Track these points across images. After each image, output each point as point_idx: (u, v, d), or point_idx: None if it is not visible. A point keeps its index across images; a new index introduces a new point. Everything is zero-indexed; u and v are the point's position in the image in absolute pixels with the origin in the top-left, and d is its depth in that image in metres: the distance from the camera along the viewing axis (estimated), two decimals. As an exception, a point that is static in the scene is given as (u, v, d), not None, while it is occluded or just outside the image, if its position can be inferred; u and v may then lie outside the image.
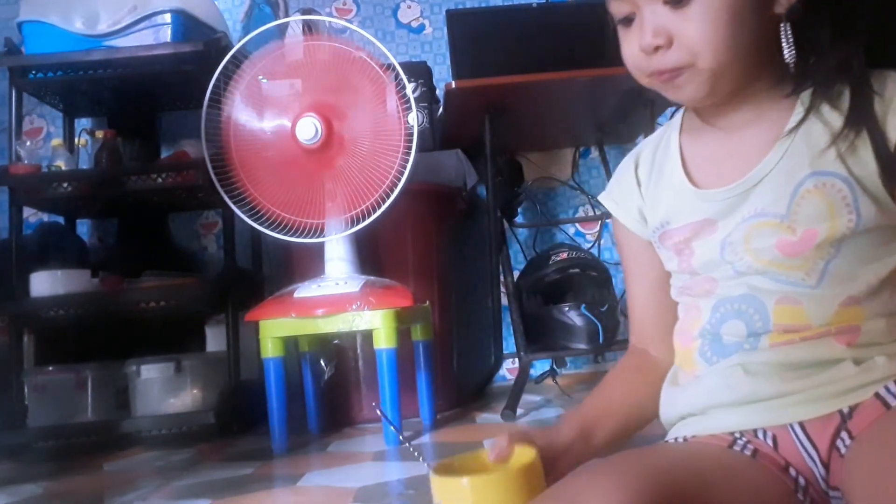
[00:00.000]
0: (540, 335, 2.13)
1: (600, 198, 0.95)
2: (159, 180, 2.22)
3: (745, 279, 0.77)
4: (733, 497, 0.70)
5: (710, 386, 0.78)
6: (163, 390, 2.11)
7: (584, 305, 2.10)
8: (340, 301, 1.81)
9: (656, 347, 0.90)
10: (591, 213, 2.84)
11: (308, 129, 1.84)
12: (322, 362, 2.10)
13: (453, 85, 2.09)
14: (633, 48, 0.77)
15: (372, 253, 2.04)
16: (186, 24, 2.28)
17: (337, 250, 1.92)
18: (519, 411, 1.97)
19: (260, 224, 1.91)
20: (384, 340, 1.77)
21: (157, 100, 2.60)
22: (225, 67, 1.92)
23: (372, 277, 1.90)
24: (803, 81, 0.76)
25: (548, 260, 2.25)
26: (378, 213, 1.87)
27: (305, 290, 1.87)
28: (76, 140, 2.45)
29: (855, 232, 0.73)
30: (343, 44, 1.92)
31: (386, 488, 1.35)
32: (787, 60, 0.76)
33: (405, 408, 1.84)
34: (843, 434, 0.72)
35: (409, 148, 1.86)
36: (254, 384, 2.13)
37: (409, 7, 2.95)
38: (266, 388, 1.84)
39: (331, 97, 1.90)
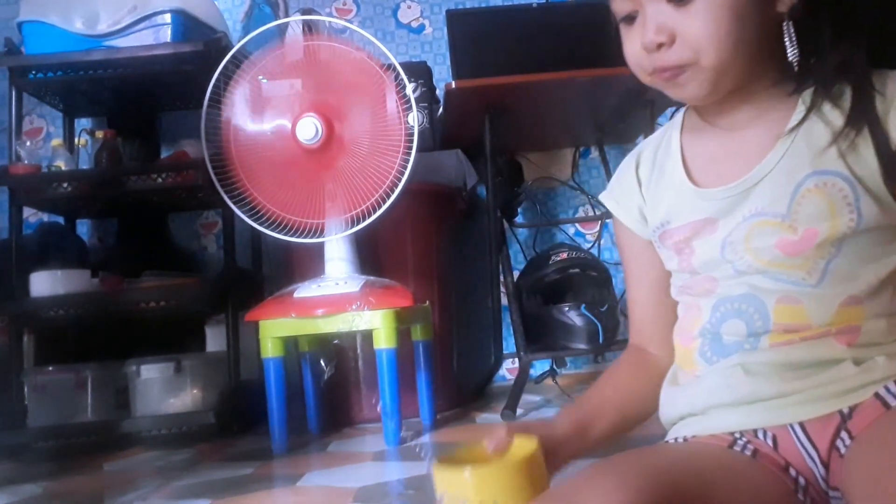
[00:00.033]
0: (540, 335, 2.13)
1: (601, 197, 0.95)
2: (159, 180, 2.22)
3: (745, 278, 0.77)
4: (733, 497, 0.70)
5: (710, 386, 0.78)
6: (163, 390, 2.11)
7: (584, 305, 2.10)
8: (340, 301, 1.81)
9: (656, 347, 0.90)
10: (591, 213, 2.84)
11: (308, 129, 1.84)
12: (322, 362, 2.10)
13: (453, 85, 2.09)
14: (635, 46, 0.77)
15: (372, 253, 2.04)
16: (186, 24, 2.28)
17: (337, 250, 1.92)
18: (519, 411, 1.97)
19: (260, 224, 1.91)
20: (384, 340, 1.77)
21: (157, 100, 2.61)
22: (225, 67, 1.92)
23: (372, 277, 1.90)
24: (805, 80, 0.76)
25: (548, 260, 2.25)
26: (378, 213, 1.87)
27: (305, 290, 1.87)
28: (76, 140, 2.45)
29: (856, 231, 0.73)
30: (343, 44, 1.92)
31: (386, 488, 1.35)
32: (791, 59, 0.76)
33: (405, 408, 1.84)
34: (843, 434, 0.71)
35: (409, 148, 1.86)
36: (254, 384, 2.13)
37: (409, 7, 2.95)
38: (266, 388, 1.84)
39: (331, 97, 1.90)
